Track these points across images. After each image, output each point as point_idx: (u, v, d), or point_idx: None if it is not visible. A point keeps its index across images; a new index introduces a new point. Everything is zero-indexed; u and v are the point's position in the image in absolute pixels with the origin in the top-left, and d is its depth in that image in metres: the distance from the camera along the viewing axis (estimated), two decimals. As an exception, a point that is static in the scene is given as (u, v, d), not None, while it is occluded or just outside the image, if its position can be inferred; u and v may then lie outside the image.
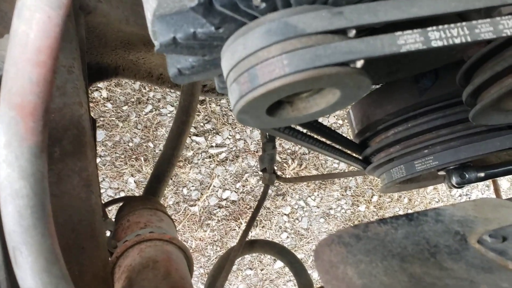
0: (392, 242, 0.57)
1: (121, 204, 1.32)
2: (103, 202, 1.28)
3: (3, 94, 0.50)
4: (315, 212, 3.35)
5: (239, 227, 3.18)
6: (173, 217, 3.03)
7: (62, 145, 0.89)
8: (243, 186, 3.17)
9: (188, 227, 3.11)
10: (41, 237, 0.51)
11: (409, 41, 0.45)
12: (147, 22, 0.51)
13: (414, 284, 0.49)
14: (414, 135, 1.05)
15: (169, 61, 0.54)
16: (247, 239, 1.57)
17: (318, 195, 3.35)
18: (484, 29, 0.46)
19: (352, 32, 0.46)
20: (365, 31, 0.65)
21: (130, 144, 2.93)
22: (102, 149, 2.89)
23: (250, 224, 1.58)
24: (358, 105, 1.14)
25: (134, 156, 2.94)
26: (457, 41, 0.46)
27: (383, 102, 1.07)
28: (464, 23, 0.46)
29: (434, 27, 0.46)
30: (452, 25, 0.46)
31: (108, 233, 1.14)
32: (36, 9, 0.48)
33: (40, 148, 0.51)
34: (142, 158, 2.95)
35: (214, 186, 3.12)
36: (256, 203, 1.66)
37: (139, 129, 2.93)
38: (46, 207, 0.52)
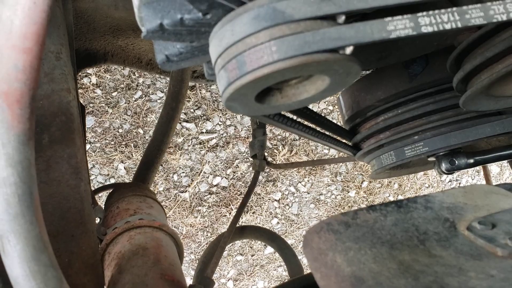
0: (381, 229, 0.57)
1: (110, 191, 1.32)
2: (93, 189, 1.28)
3: (-12, 81, 0.49)
4: (306, 198, 3.36)
5: (230, 213, 3.19)
6: (163, 203, 3.03)
7: (51, 132, 0.89)
8: (234, 172, 3.17)
9: (179, 213, 3.11)
10: (29, 225, 0.51)
11: (399, 26, 0.45)
12: (134, 7, 0.50)
13: (403, 271, 0.49)
14: (404, 121, 1.05)
15: (156, 47, 0.54)
16: (237, 225, 1.57)
17: (308, 181, 3.35)
18: (475, 15, 0.46)
19: (342, 18, 0.46)
20: (354, 16, 0.65)
21: (120, 130, 2.92)
22: (92, 136, 2.87)
23: (240, 210, 1.58)
24: (348, 91, 1.14)
25: (124, 143, 2.93)
26: (448, 26, 0.45)
27: (373, 88, 1.06)
28: (454, 9, 0.46)
29: (425, 13, 0.45)
30: (442, 10, 0.45)
31: (97, 220, 1.14)
32: (20, -6, 0.47)
33: (27, 136, 0.51)
34: (132, 145, 2.94)
35: (205, 172, 3.12)
36: (247, 189, 1.66)
37: (129, 115, 2.92)
38: (34, 195, 0.52)
